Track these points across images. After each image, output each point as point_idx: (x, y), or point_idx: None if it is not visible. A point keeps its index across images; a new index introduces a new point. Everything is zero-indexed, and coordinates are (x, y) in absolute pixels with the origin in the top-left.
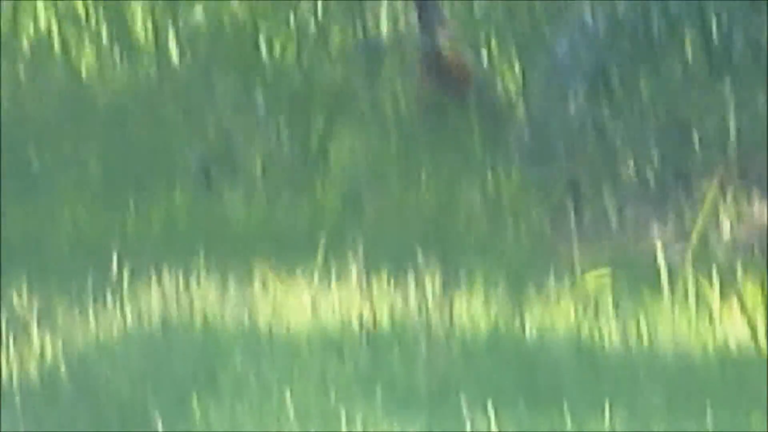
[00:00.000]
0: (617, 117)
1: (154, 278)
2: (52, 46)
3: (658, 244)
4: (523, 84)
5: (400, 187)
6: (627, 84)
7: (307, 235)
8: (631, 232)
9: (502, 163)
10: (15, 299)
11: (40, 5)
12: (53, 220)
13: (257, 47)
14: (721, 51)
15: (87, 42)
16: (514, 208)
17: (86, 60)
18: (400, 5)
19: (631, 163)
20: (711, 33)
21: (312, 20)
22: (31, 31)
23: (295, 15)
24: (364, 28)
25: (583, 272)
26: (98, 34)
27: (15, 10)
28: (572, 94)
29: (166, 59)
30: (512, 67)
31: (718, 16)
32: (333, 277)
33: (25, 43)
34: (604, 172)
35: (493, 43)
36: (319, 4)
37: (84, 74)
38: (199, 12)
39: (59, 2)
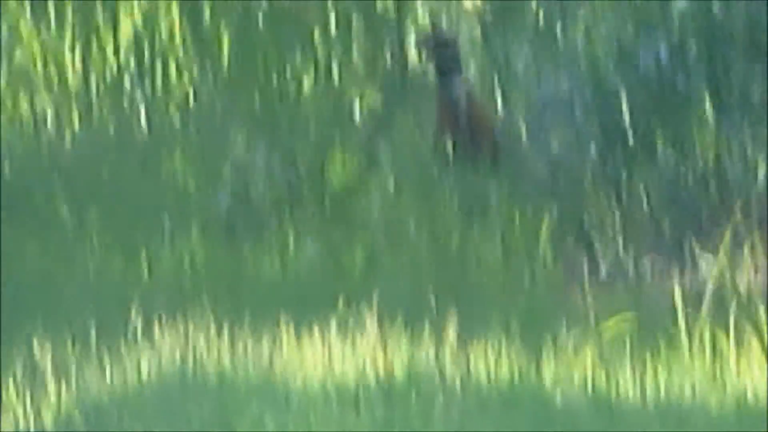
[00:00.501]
0: (633, 164)
1: (170, 328)
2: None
3: (675, 293)
4: (541, 133)
5: (416, 236)
6: (643, 132)
7: (323, 286)
8: (648, 280)
9: (519, 211)
10: (31, 347)
11: (68, 57)
12: (70, 268)
13: (274, 98)
14: (739, 99)
15: (108, 86)
16: (530, 257)
17: (106, 105)
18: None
19: (648, 210)
20: (728, 82)
21: (333, 77)
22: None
23: (316, 69)
24: (385, 75)
25: (598, 321)
26: (121, 78)
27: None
28: (589, 143)
29: (185, 102)
30: (530, 116)
31: (732, 65)
32: (349, 328)
33: (48, 89)
34: (621, 220)
35: (513, 94)
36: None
37: (104, 120)
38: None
39: (83, 47)
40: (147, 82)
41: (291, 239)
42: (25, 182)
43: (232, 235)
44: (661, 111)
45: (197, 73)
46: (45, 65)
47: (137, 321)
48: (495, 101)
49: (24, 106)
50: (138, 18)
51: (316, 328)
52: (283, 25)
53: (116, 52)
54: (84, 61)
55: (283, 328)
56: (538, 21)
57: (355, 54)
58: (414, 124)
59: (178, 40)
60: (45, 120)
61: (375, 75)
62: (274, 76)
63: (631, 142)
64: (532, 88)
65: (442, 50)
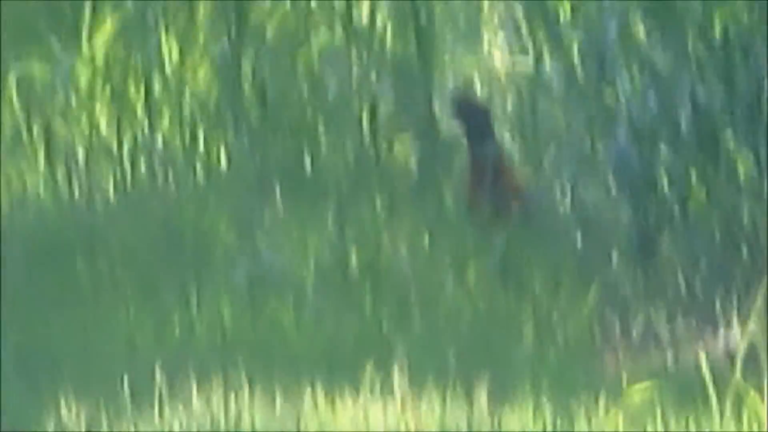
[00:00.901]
0: (666, 227)
1: (199, 391)
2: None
3: (705, 356)
4: (572, 195)
5: (448, 296)
6: (677, 192)
7: (353, 348)
8: (679, 343)
9: (551, 274)
10: (63, 411)
11: (102, 119)
12: (100, 330)
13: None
14: None
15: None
16: (561, 319)
17: (135, 168)
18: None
19: (680, 273)
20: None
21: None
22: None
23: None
24: (419, 132)
25: (630, 384)
26: (153, 138)
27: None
28: (621, 204)
29: (216, 167)
30: (561, 177)
31: None
32: (379, 391)
33: (80, 149)
34: (652, 283)
35: (545, 155)
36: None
37: (136, 181)
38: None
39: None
40: (179, 142)
41: (321, 301)
42: (55, 242)
43: (259, 297)
44: (698, 168)
45: (231, 134)
46: (78, 123)
47: (169, 382)
48: (528, 163)
49: (58, 166)
50: (170, 76)
51: (347, 389)
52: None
53: (148, 111)
54: (117, 122)
55: (315, 388)
56: (575, 78)
57: (383, 110)
58: (445, 184)
59: (211, 101)
60: (79, 182)
61: (405, 134)
62: (304, 137)
63: (666, 200)
64: (565, 147)
65: (473, 113)
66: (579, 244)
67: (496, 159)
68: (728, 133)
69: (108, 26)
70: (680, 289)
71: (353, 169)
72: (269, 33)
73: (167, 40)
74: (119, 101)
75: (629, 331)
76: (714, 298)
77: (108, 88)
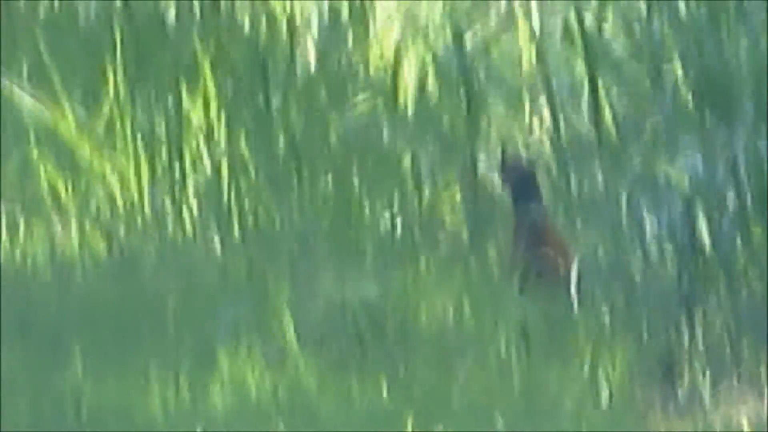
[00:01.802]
0: (708, 290)
1: None
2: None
3: (751, 418)
4: (618, 258)
5: (486, 361)
6: (720, 254)
7: (392, 417)
8: (723, 407)
9: (595, 337)
10: None
11: (134, 180)
12: (140, 398)
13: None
14: None
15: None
16: (608, 380)
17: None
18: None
19: (725, 334)
20: None
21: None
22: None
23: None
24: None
25: None
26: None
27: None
28: (664, 270)
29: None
30: (604, 240)
31: None
32: None
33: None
34: (696, 344)
35: (590, 219)
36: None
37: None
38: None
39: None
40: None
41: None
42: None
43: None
44: (741, 229)
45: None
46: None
47: None
48: (573, 227)
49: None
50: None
51: None
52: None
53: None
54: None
55: None
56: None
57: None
58: (491, 250)
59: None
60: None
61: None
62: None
63: (709, 262)
64: (610, 212)
65: (518, 176)
66: (625, 308)
67: (542, 221)
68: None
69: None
70: (725, 350)
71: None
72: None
73: None
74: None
75: (675, 395)
76: (759, 359)
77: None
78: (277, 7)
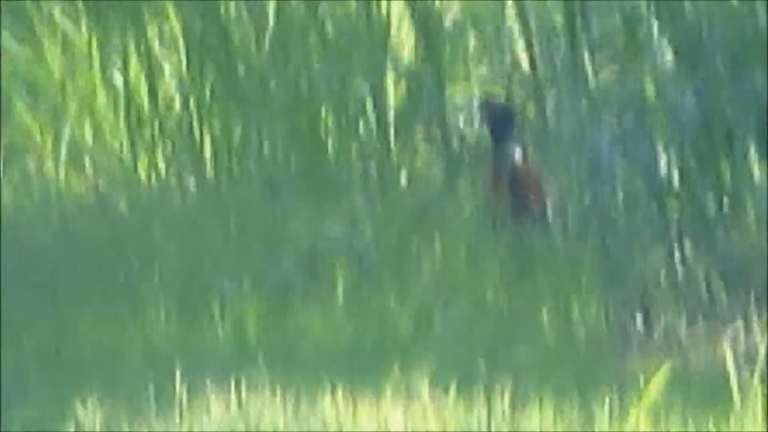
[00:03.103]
0: (687, 233)
1: (219, 393)
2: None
3: (728, 357)
4: (593, 193)
5: (469, 302)
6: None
7: (377, 352)
8: (700, 345)
9: (570, 275)
10: (80, 411)
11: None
12: (124, 332)
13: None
14: None
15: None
16: (583, 322)
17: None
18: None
19: (702, 278)
20: None
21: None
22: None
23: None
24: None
25: (648, 383)
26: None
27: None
28: (641, 202)
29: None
30: (581, 177)
31: None
32: (401, 393)
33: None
34: (674, 287)
35: (564, 155)
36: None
37: (157, 180)
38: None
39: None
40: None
41: (341, 299)
42: (79, 248)
43: (289, 299)
44: (711, 166)
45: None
46: None
47: (189, 386)
48: (547, 163)
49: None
50: None
51: (369, 393)
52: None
53: None
54: None
55: (337, 393)
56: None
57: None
58: (465, 189)
59: None
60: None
61: (427, 140)
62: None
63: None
64: (585, 148)
65: (496, 117)
66: (599, 244)
67: (516, 159)
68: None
69: None
70: (701, 289)
71: (374, 173)
72: None
73: None
74: None
75: (651, 333)
76: (735, 298)
77: None
78: None
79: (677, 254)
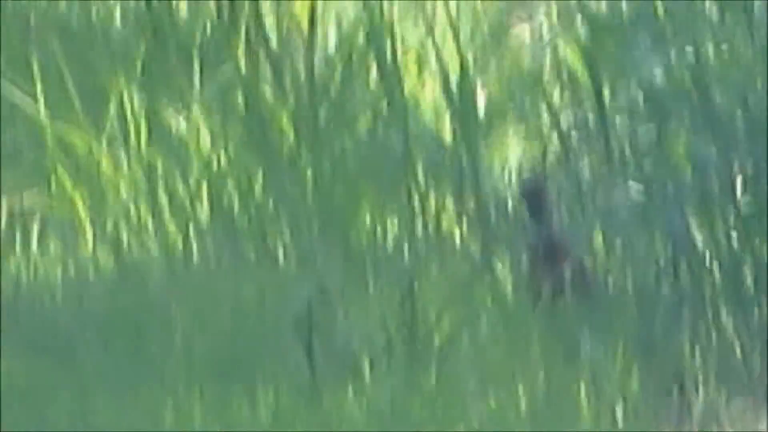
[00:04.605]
0: (724, 303)
1: None
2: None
3: None
4: (634, 278)
5: (508, 383)
6: (730, 273)
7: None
8: (739, 422)
9: (607, 353)
10: None
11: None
12: (155, 415)
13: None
14: None
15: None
16: (622, 399)
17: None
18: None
19: (739, 350)
20: None
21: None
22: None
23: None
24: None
25: None
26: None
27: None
28: (677, 281)
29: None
30: (619, 258)
31: None
32: None
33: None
34: (712, 361)
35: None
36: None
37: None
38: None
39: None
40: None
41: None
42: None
43: (317, 382)
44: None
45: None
46: None
47: None
48: (586, 238)
49: None
50: None
51: None
52: None
53: None
54: None
55: None
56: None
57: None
58: (505, 266)
59: None
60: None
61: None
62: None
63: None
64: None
65: (532, 192)
66: (635, 322)
67: (555, 235)
68: None
69: None
70: (741, 367)
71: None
72: None
73: None
74: None
75: (690, 412)
76: None
77: None
78: None
79: (714, 328)
